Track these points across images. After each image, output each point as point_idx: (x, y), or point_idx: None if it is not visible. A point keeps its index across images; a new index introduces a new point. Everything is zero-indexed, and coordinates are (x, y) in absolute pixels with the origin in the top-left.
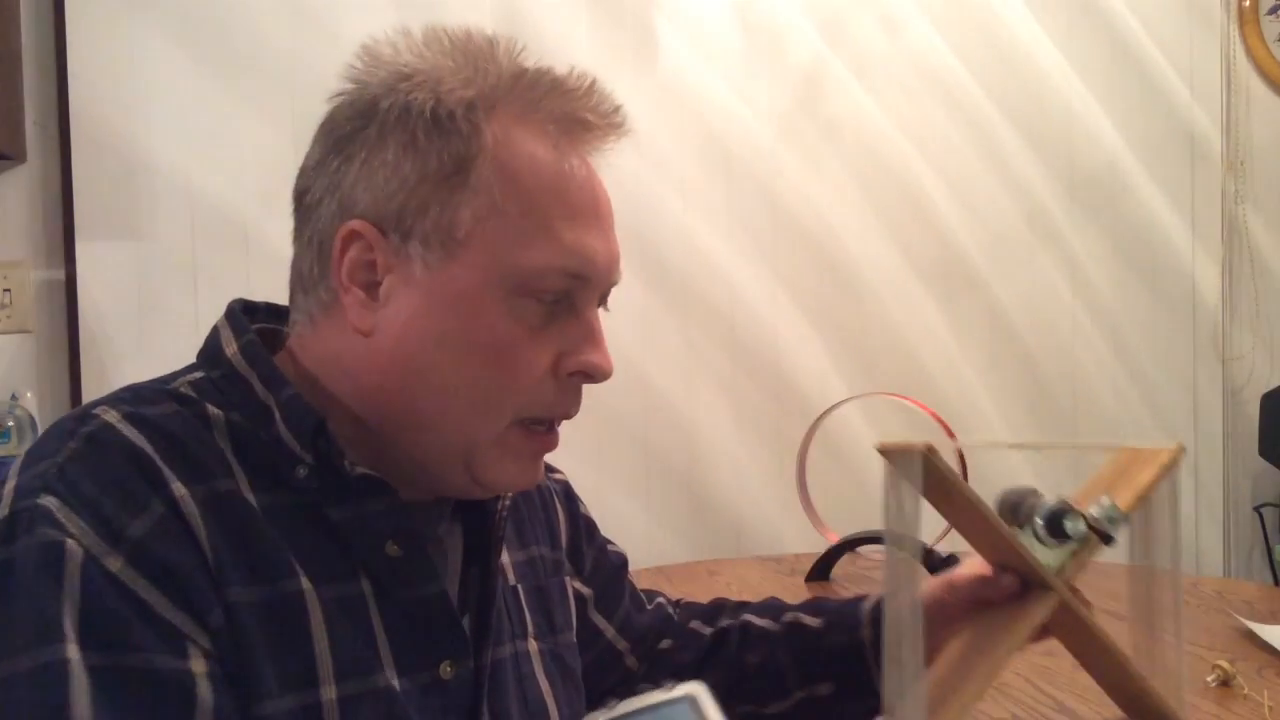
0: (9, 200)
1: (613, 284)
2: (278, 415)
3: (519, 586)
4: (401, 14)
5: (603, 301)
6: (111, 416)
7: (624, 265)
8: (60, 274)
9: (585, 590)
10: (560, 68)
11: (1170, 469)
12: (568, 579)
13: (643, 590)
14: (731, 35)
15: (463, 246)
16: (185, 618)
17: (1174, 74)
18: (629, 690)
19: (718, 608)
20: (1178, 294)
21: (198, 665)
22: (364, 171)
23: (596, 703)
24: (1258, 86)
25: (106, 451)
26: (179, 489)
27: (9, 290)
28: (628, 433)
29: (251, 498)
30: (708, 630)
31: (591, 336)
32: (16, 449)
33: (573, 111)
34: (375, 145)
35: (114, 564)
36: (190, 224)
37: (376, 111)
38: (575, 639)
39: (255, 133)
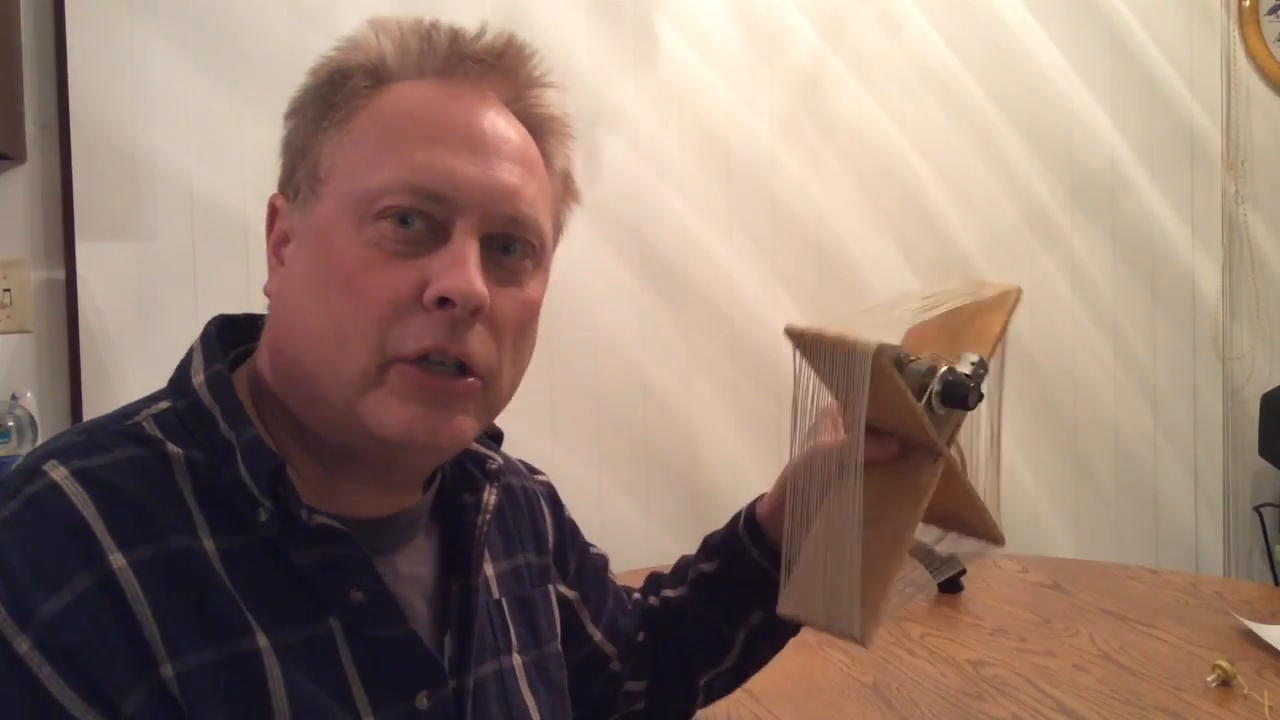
0: (9, 200)
1: (502, 216)
2: (239, 456)
3: (503, 600)
4: (401, 14)
5: (507, 246)
6: (59, 474)
7: (624, 263)
8: (60, 274)
9: (571, 594)
10: (474, 27)
11: (1014, 311)
12: (553, 585)
13: (623, 587)
14: (731, 35)
15: (324, 184)
16: (85, 703)
17: (1174, 74)
18: (616, 693)
19: (656, 579)
20: (1178, 294)
21: None
22: (282, 149)
23: (584, 710)
24: (1258, 86)
25: (42, 518)
26: (117, 560)
27: (9, 290)
28: (628, 433)
29: (211, 544)
30: (649, 606)
31: (455, 262)
32: (17, 449)
33: (455, 52)
34: (292, 126)
35: (22, 645)
36: (190, 224)
37: (302, 97)
38: (560, 647)
39: (255, 133)
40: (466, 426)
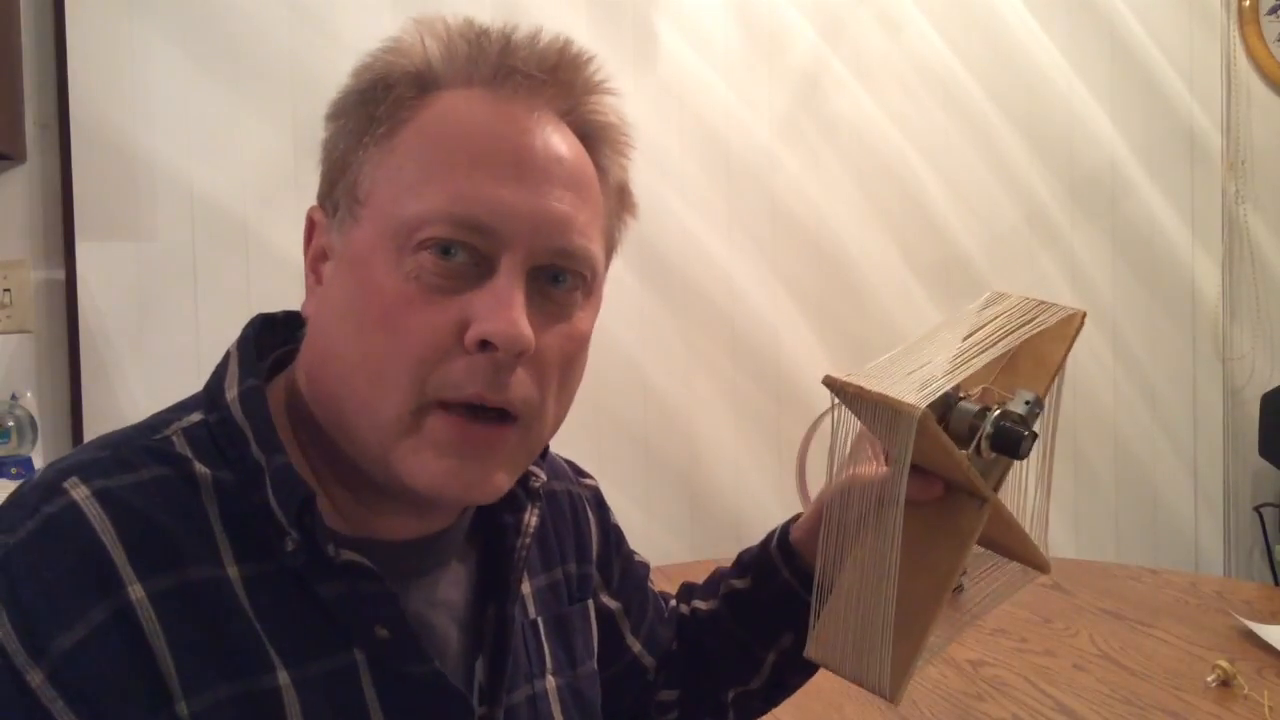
0: (9, 200)
1: (551, 248)
2: (269, 481)
3: (539, 619)
4: (401, 14)
5: (556, 276)
6: (80, 494)
7: (623, 263)
8: (60, 274)
9: (613, 604)
10: (527, 29)
11: (1075, 340)
12: (593, 598)
13: (661, 593)
14: (731, 35)
15: (364, 206)
16: None
17: (1174, 74)
18: (649, 702)
19: (689, 588)
20: (1178, 294)
21: None
22: (322, 157)
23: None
24: (1258, 86)
25: (60, 543)
26: (135, 592)
27: (9, 290)
28: (628, 433)
29: (235, 571)
30: (681, 614)
31: (499, 302)
32: (17, 449)
33: (505, 63)
34: (332, 130)
35: (34, 678)
36: (190, 224)
37: (343, 101)
38: (596, 664)
39: (255, 133)
40: (502, 482)
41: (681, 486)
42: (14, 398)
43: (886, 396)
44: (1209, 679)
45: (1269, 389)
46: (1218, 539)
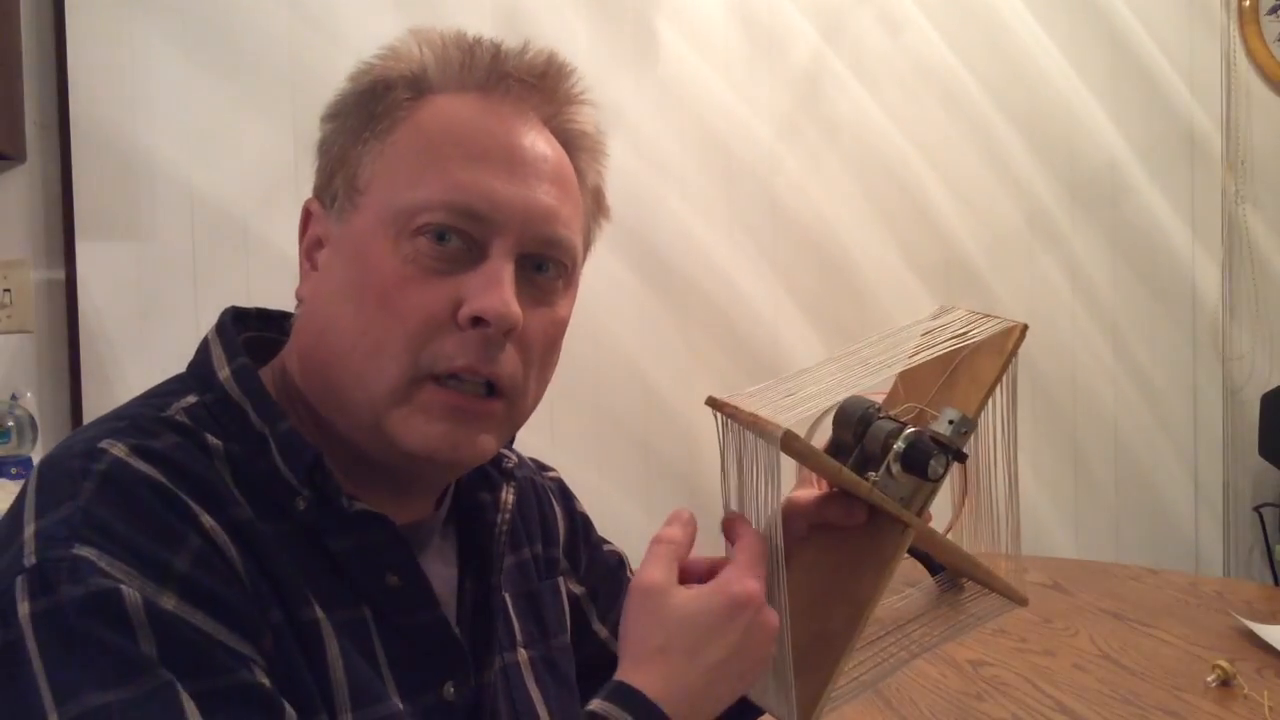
0: (9, 200)
1: (538, 237)
2: (274, 447)
3: (507, 595)
4: (401, 14)
5: (540, 265)
6: (120, 451)
7: (624, 263)
8: (60, 274)
9: (578, 589)
10: (515, 40)
11: (1013, 356)
12: (562, 579)
13: None
14: (731, 35)
15: (363, 195)
16: (241, 640)
17: (1174, 74)
18: None
19: None
20: (1178, 294)
21: (267, 682)
22: (319, 153)
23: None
24: (1258, 86)
25: (128, 488)
26: (207, 520)
27: (9, 290)
28: (627, 433)
29: (259, 527)
30: None
31: (491, 282)
32: (17, 449)
33: (497, 69)
34: (330, 130)
35: (169, 602)
36: (190, 224)
37: (341, 103)
38: (568, 641)
39: (255, 133)
40: (488, 445)
41: (681, 486)
42: (14, 398)
43: (757, 417)
44: (1209, 679)
45: (1269, 389)
46: (1218, 539)
